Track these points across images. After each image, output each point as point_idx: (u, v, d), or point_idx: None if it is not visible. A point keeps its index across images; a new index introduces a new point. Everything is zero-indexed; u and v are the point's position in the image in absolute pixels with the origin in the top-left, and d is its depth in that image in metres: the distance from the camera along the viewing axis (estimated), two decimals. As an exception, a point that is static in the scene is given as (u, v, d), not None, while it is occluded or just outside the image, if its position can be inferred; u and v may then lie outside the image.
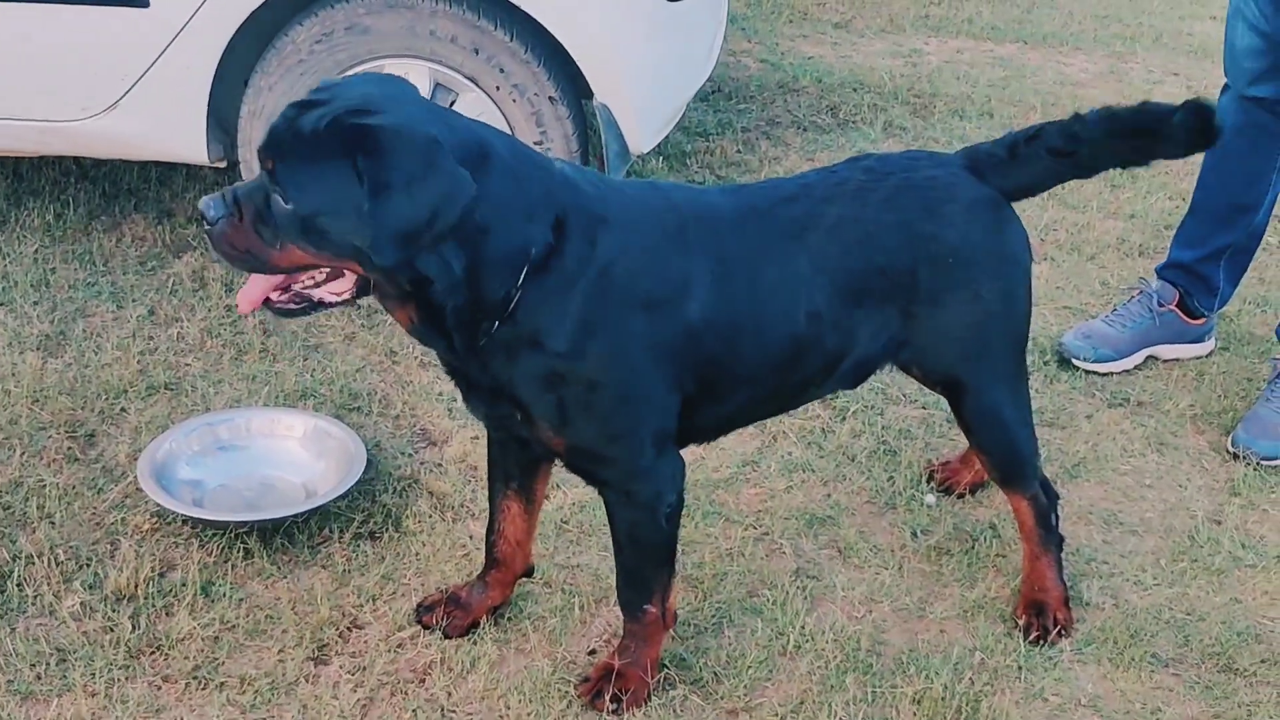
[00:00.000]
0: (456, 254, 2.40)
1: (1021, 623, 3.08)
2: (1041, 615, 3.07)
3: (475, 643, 2.96)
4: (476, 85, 3.84)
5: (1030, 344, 4.00)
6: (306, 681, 2.86)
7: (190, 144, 3.91)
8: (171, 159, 4.03)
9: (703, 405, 2.73)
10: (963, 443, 3.44)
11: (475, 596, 3.00)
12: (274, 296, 2.46)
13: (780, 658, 2.97)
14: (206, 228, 2.37)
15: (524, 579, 3.06)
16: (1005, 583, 3.20)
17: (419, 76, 3.83)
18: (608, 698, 2.81)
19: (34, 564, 3.08)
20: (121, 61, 3.83)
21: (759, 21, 6.59)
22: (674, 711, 2.84)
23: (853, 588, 3.19)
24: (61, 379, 3.72)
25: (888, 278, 2.78)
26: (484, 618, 2.99)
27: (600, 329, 2.53)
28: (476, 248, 2.41)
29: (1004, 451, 3.01)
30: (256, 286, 2.45)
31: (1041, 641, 3.04)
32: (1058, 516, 3.11)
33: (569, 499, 3.40)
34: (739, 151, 5.28)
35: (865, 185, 2.80)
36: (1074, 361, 4.02)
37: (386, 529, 3.28)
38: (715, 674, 2.92)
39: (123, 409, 3.63)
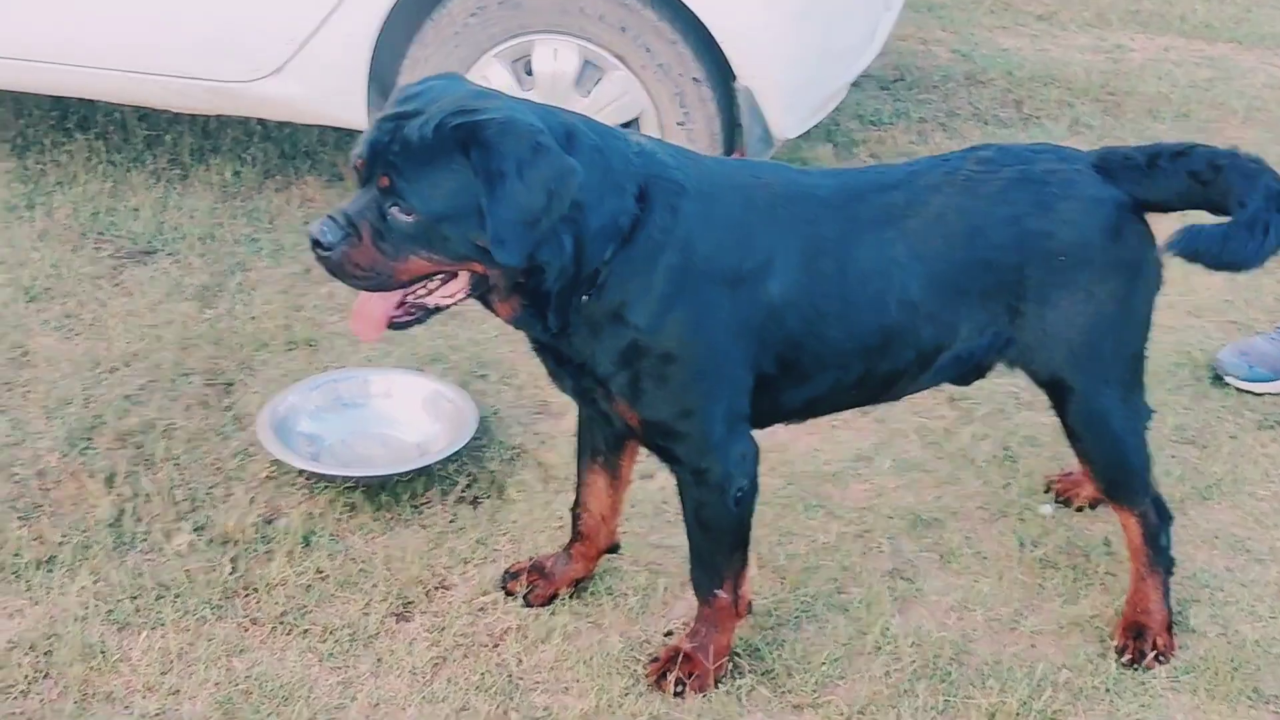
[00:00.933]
0: (566, 235, 2.44)
1: (1117, 644, 2.96)
2: (1140, 638, 2.95)
3: (554, 613, 3.00)
4: (624, 63, 3.87)
5: (1184, 357, 3.90)
6: (386, 635, 2.94)
7: (351, 109, 4.04)
8: (334, 124, 4.17)
9: (784, 386, 2.70)
10: (1088, 454, 3.33)
11: (559, 567, 3.04)
12: (394, 313, 2.51)
13: (856, 657, 2.93)
14: (323, 254, 2.40)
15: (610, 555, 3.08)
16: (1110, 602, 3.07)
17: (568, 53, 3.88)
18: (672, 679, 2.82)
19: (150, 502, 3.24)
20: (288, 26, 3.98)
21: (957, 10, 6.44)
22: (739, 700, 2.82)
23: (947, 593, 3.12)
24: (211, 328, 3.90)
25: (993, 272, 2.70)
26: (566, 589, 3.03)
27: (680, 301, 2.54)
28: (578, 225, 2.45)
29: (1109, 461, 2.89)
30: (377, 308, 2.49)
31: (1135, 665, 2.92)
32: (1169, 537, 2.97)
33: (671, 482, 3.39)
34: (911, 142, 5.18)
35: (977, 176, 2.72)
36: (1226, 379, 3.83)
37: (490, 495, 3.34)
38: (788, 667, 2.90)
39: (263, 361, 3.79)
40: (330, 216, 2.39)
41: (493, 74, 3.96)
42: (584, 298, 2.51)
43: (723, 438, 2.65)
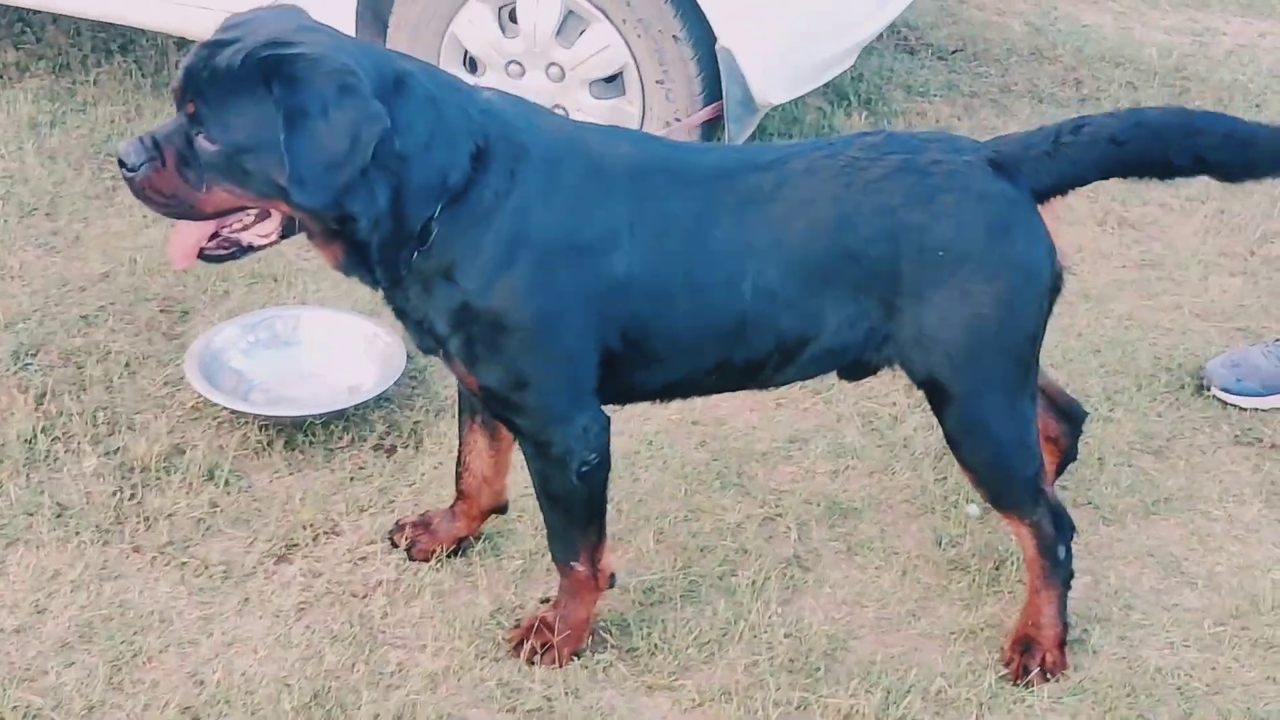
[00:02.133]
0: (380, 185, 2.38)
1: (1004, 657, 2.83)
2: (1028, 653, 2.81)
3: (436, 570, 2.97)
4: (605, 16, 3.78)
5: (1171, 362, 3.70)
6: (261, 576, 2.95)
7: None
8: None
9: (637, 365, 2.61)
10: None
11: (442, 525, 3.01)
12: (204, 245, 2.49)
13: (726, 643, 2.84)
14: (127, 174, 2.38)
15: (498, 515, 3.04)
16: (1012, 613, 2.92)
17: (550, 2, 3.80)
18: (528, 647, 2.77)
19: (72, 422, 3.29)
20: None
21: (1047, -18, 6.18)
22: (594, 675, 2.77)
23: (842, 586, 3.01)
24: (185, 256, 3.94)
25: (862, 265, 2.56)
26: (447, 547, 3.00)
27: (511, 268, 2.46)
28: (398, 177, 2.39)
29: (989, 469, 2.74)
30: (189, 238, 2.48)
31: (1017, 681, 2.78)
32: (1068, 549, 2.81)
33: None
34: (955, 117, 4.97)
35: (856, 162, 2.58)
36: (1210, 390, 3.60)
37: (407, 445, 3.32)
38: (653, 646, 2.83)
39: (224, 293, 3.81)
40: (139, 138, 2.37)
41: (478, 18, 3.91)
42: (414, 254, 2.45)
43: (563, 410, 2.57)
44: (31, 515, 3.04)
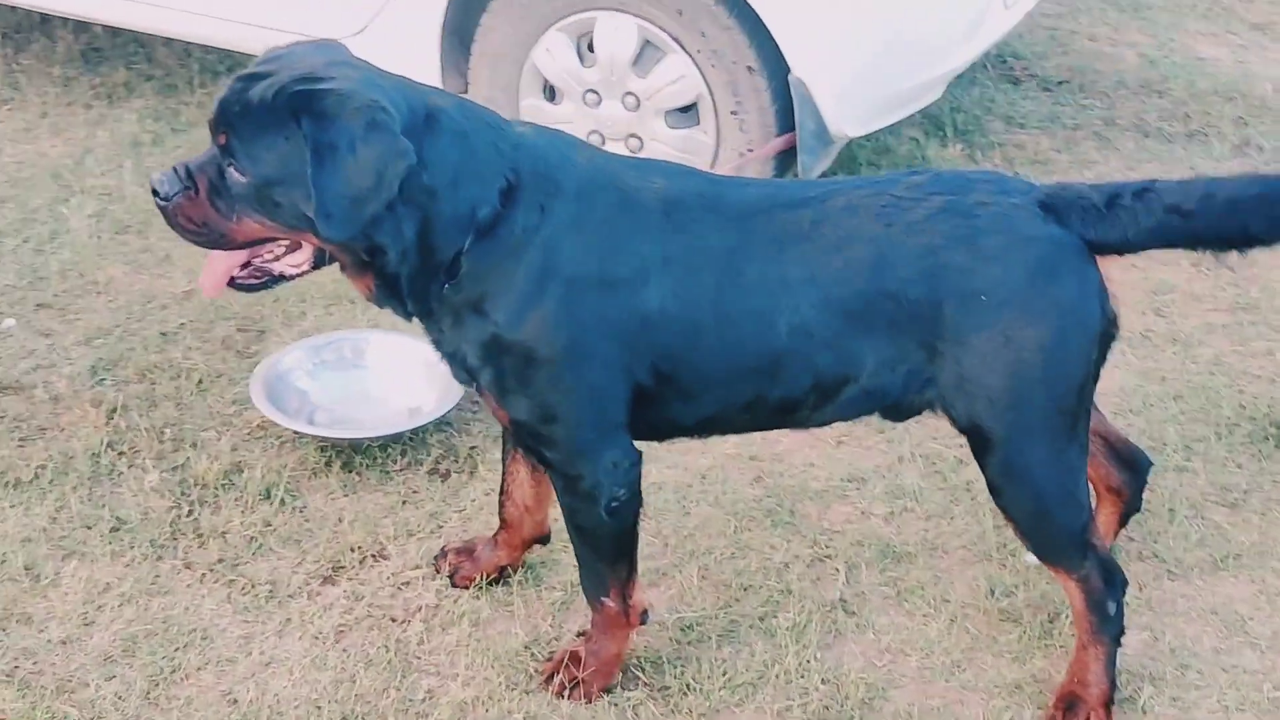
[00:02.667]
0: (408, 219, 2.40)
1: (1047, 713, 2.74)
2: (1071, 710, 2.72)
3: (476, 598, 2.98)
4: (680, 46, 3.77)
5: (1256, 413, 3.55)
6: (305, 597, 2.99)
7: (426, 74, 4.07)
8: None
9: (669, 400, 2.59)
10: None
11: (485, 553, 3.02)
12: (237, 274, 2.54)
13: (761, 686, 2.80)
14: (160, 203, 2.43)
15: (539, 545, 3.04)
16: (1061, 668, 2.83)
17: (627, 32, 3.81)
18: (558, 681, 2.76)
19: (139, 438, 3.37)
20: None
21: (1165, 13, 5.98)
22: (622, 712, 2.75)
23: (888, 633, 2.95)
24: (267, 276, 4.01)
25: (901, 306, 2.51)
26: (488, 575, 3.00)
27: (541, 301, 2.46)
28: (426, 211, 2.41)
29: (1031, 519, 2.65)
30: (219, 266, 2.53)
31: (1059, 740, 2.70)
32: (1119, 604, 2.71)
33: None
34: (1055, 150, 4.86)
35: (899, 202, 2.53)
36: None
37: (461, 469, 3.34)
38: (685, 686, 2.80)
39: (301, 314, 3.87)
40: (174, 168, 2.43)
41: (556, 47, 3.93)
42: (445, 286, 2.46)
43: (591, 445, 2.56)
44: (90, 529, 3.11)
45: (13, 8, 5.27)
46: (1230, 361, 3.78)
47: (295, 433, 3.36)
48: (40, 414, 3.46)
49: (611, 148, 4.00)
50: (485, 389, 2.57)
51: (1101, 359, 2.64)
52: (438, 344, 2.61)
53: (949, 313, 2.51)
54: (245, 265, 2.52)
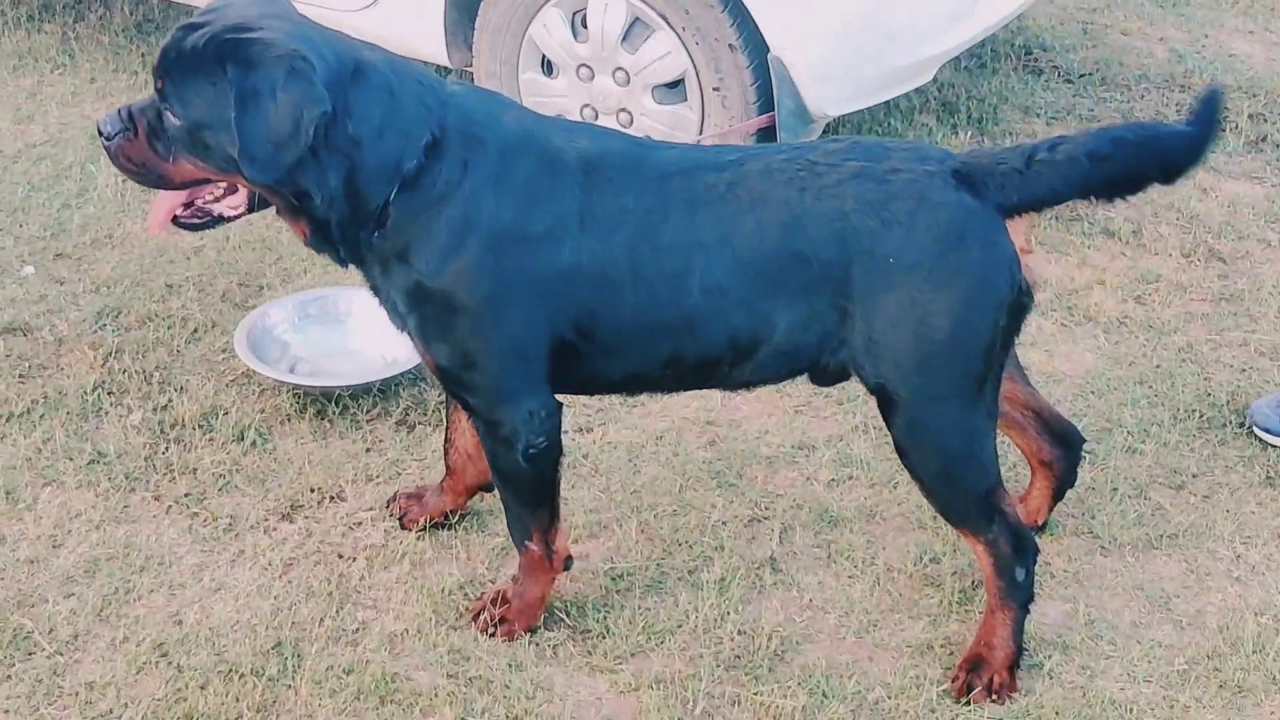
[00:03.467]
0: (333, 167, 2.54)
1: (953, 673, 2.82)
2: (975, 671, 2.80)
3: (420, 539, 3.13)
4: (667, 23, 3.87)
5: (1217, 398, 3.58)
6: (261, 531, 3.15)
7: (432, 47, 4.23)
8: (420, 59, 4.36)
9: (590, 356, 2.71)
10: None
11: (431, 498, 3.16)
12: (179, 213, 2.70)
13: (678, 633, 2.92)
14: (104, 143, 2.60)
15: (484, 492, 3.17)
16: (974, 633, 2.91)
17: (617, 9, 3.92)
18: (484, 618, 2.90)
19: (129, 379, 3.56)
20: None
21: (1205, 9, 5.95)
22: (541, 651, 2.88)
23: (811, 591, 3.04)
24: (275, 235, 4.18)
25: (811, 267, 2.60)
26: (435, 519, 3.14)
27: (460, 252, 2.59)
28: (351, 160, 2.55)
29: (936, 480, 2.74)
30: (162, 206, 2.70)
31: (960, 698, 2.77)
32: (1028, 571, 2.78)
33: (590, 438, 3.44)
34: (1067, 140, 4.88)
35: (814, 166, 2.62)
36: (1255, 430, 3.48)
37: (426, 422, 3.49)
38: (606, 630, 2.92)
39: (301, 271, 4.05)
40: (117, 110, 2.60)
41: (552, 22, 4.06)
42: (374, 235, 2.60)
43: (510, 393, 2.69)
44: (70, 460, 3.31)
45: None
46: (1203, 350, 3.81)
47: (274, 381, 3.53)
48: (42, 354, 3.67)
49: (604, 121, 4.13)
50: (412, 334, 2.71)
51: (1013, 327, 2.71)
52: (374, 290, 2.76)
53: (858, 275, 2.60)
54: (188, 205, 2.68)
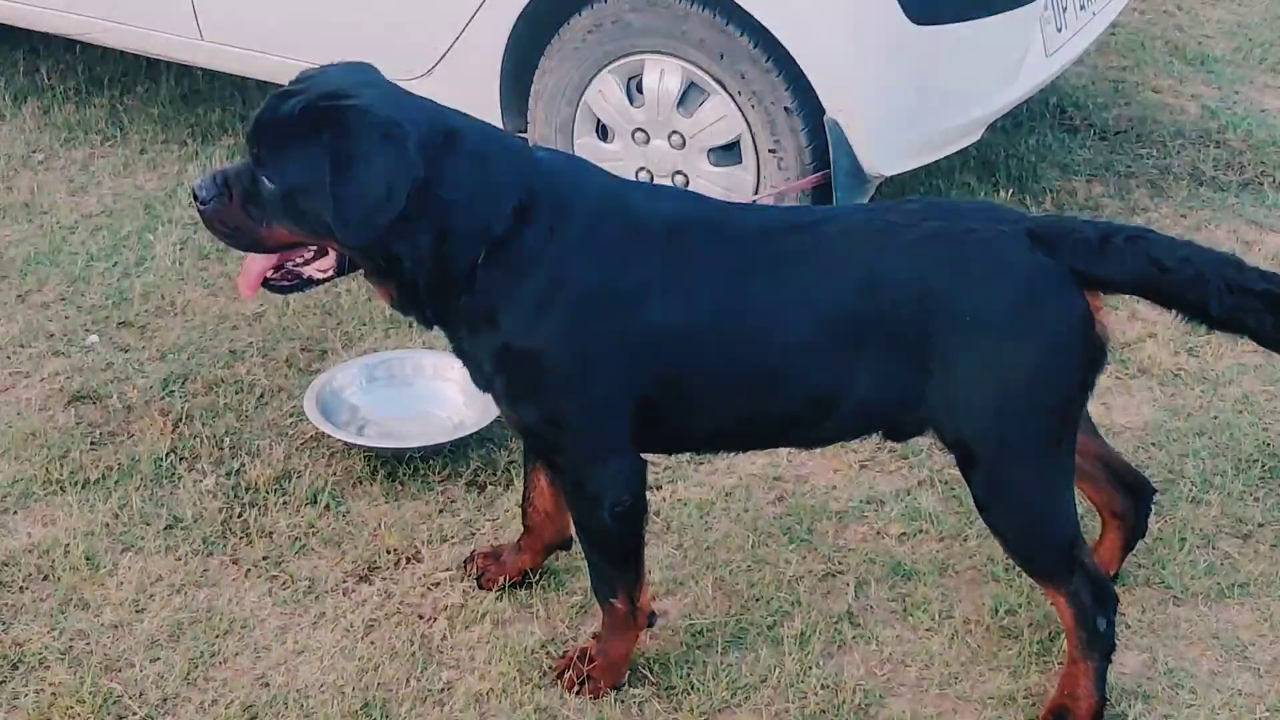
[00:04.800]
0: (424, 230, 2.60)
1: (1038, 725, 2.84)
2: (1060, 723, 2.82)
3: (499, 599, 3.16)
4: (722, 88, 3.95)
5: (1263, 436, 3.59)
6: (340, 593, 3.18)
7: (487, 114, 4.29)
8: (475, 125, 4.45)
9: (672, 414, 2.75)
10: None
11: (509, 557, 3.19)
12: (270, 275, 2.76)
13: (762, 689, 2.93)
14: (200, 207, 2.66)
15: (561, 550, 3.20)
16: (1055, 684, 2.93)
17: (672, 74, 4.00)
18: (569, 676, 2.92)
19: (201, 445, 3.60)
20: (435, 36, 4.30)
21: (1232, 66, 6.03)
22: (627, 708, 2.90)
23: (890, 645, 3.06)
24: (333, 301, 4.23)
25: (890, 328, 2.65)
26: (514, 578, 3.17)
27: (548, 314, 2.64)
28: (441, 224, 2.61)
29: (1018, 536, 2.77)
30: (253, 268, 2.75)
31: (1045, 750, 2.79)
32: (1109, 621, 2.80)
33: (660, 496, 3.47)
34: (1107, 196, 4.94)
35: (892, 227, 2.68)
36: None
37: (496, 482, 3.52)
38: (690, 686, 2.94)
39: (361, 336, 4.10)
40: (212, 175, 2.66)
41: (607, 89, 4.13)
42: (462, 296, 2.65)
43: (596, 452, 2.73)
44: (148, 525, 3.35)
45: (120, 53, 5.64)
46: (1258, 401, 3.84)
47: (344, 443, 3.57)
48: (113, 421, 3.71)
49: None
50: (498, 395, 2.75)
51: (1089, 383, 2.75)
52: (458, 352, 2.81)
53: (936, 334, 2.65)
54: (278, 268, 2.74)
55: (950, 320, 2.64)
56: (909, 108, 3.91)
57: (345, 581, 3.22)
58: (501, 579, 3.17)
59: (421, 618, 3.12)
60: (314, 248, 2.70)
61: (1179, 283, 2.67)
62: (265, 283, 2.75)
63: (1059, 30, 4.34)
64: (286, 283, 2.76)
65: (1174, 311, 2.75)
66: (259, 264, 2.73)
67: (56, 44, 5.87)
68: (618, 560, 2.84)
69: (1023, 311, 2.65)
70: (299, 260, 2.73)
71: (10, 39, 5.91)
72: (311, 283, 2.76)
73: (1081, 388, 2.73)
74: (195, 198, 2.66)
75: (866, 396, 2.72)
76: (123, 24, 4.99)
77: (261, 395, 3.82)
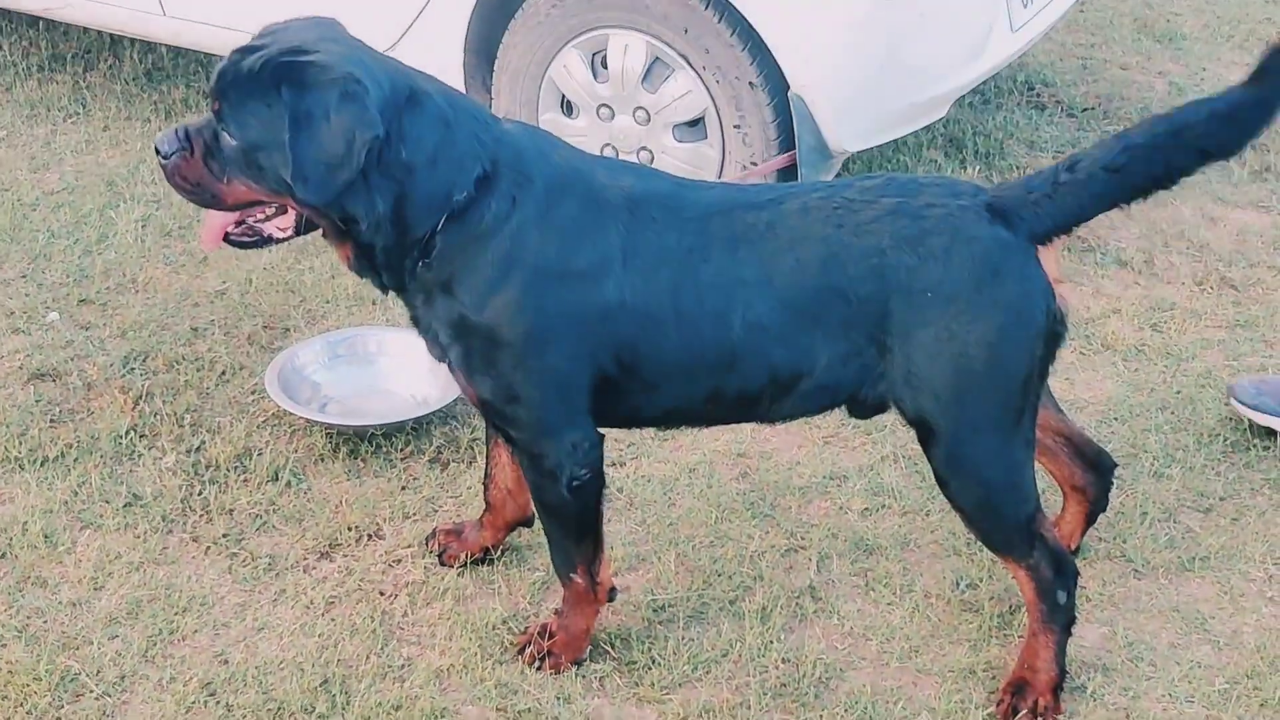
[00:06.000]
0: (382, 191, 2.57)
1: (997, 696, 2.84)
2: (1019, 694, 2.82)
3: (460, 575, 3.14)
4: (687, 63, 3.93)
5: (1241, 422, 3.62)
6: (301, 570, 3.17)
7: (451, 88, 4.28)
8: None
9: (632, 390, 2.74)
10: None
11: (471, 533, 3.18)
12: (231, 230, 2.73)
13: (723, 662, 2.93)
14: (161, 161, 2.64)
15: (522, 527, 3.19)
16: (1015, 656, 2.94)
17: (637, 49, 3.98)
18: (530, 652, 2.91)
19: (161, 423, 3.58)
20: (397, 11, 4.27)
21: (1201, 43, 6.04)
22: (589, 683, 2.89)
23: (851, 619, 3.06)
24: (297, 278, 4.21)
25: (850, 303, 2.64)
26: (475, 554, 3.16)
27: (505, 287, 2.62)
28: (401, 186, 2.58)
29: (977, 510, 2.77)
30: (214, 223, 2.72)
31: (1004, 721, 2.80)
32: (1070, 594, 2.81)
33: (624, 472, 3.46)
34: (1073, 173, 4.95)
35: (852, 203, 2.66)
36: (1232, 402, 3.60)
37: (460, 459, 3.50)
38: (651, 661, 2.94)
39: (325, 313, 4.07)
40: (174, 130, 2.63)
41: (571, 64, 4.11)
42: (419, 264, 2.63)
43: (553, 426, 2.71)
44: (107, 503, 3.32)
45: (84, 30, 5.59)
46: (1221, 375, 3.85)
47: (306, 420, 3.55)
48: (72, 399, 3.68)
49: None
50: (454, 366, 2.73)
51: (1049, 357, 2.74)
52: (415, 320, 2.78)
53: (896, 310, 2.64)
54: (239, 224, 2.71)
55: (909, 296, 2.63)
56: (873, 83, 3.89)
57: (306, 559, 3.20)
58: (463, 555, 3.16)
59: (383, 594, 3.10)
60: (274, 205, 2.68)
61: (1136, 172, 2.62)
62: (226, 237, 2.72)
63: (1024, 5, 4.33)
64: (246, 238, 2.73)
65: (1148, 197, 2.68)
66: (220, 218, 2.70)
67: (19, 20, 5.82)
68: (575, 535, 2.83)
69: (981, 286, 2.64)
70: (260, 216, 2.70)
71: (-29, 15, 5.85)
72: (271, 240, 2.74)
73: (1041, 362, 2.72)
74: (157, 152, 2.63)
75: (827, 373, 2.70)
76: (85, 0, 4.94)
77: (223, 373, 3.80)
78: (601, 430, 2.78)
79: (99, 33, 5.61)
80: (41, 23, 5.74)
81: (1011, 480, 2.75)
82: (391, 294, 2.78)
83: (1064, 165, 2.67)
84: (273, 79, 2.51)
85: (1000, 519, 2.77)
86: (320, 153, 2.48)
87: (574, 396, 2.71)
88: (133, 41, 5.62)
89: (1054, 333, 2.71)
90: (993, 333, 2.65)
